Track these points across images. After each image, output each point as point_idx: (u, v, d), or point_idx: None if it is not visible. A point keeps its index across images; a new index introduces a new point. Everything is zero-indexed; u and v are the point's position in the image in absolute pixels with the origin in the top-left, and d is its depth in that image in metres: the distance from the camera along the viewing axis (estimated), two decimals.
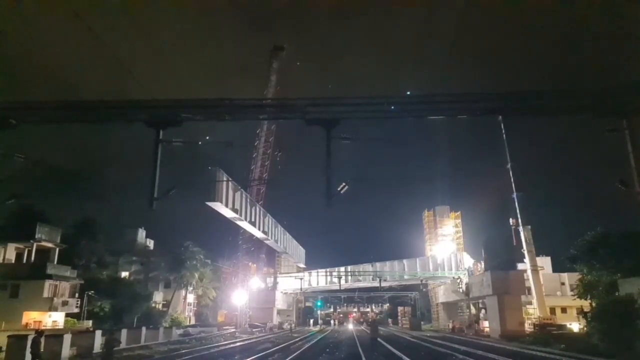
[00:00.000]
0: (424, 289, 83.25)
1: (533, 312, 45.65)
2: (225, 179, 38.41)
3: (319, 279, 74.11)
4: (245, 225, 49.82)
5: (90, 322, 40.21)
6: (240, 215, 43.90)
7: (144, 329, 35.13)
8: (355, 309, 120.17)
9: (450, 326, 63.51)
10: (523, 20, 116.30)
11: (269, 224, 55.95)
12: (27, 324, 35.28)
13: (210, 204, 38.14)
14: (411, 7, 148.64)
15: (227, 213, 42.49)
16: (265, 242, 62.18)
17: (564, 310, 50.22)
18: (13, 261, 39.81)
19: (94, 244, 47.45)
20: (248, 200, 46.57)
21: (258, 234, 54.98)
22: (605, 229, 35.41)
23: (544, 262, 53.12)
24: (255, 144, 66.34)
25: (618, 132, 12.71)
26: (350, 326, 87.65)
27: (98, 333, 28.76)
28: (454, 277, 63.77)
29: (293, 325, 68.19)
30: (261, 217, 51.89)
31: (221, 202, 38.36)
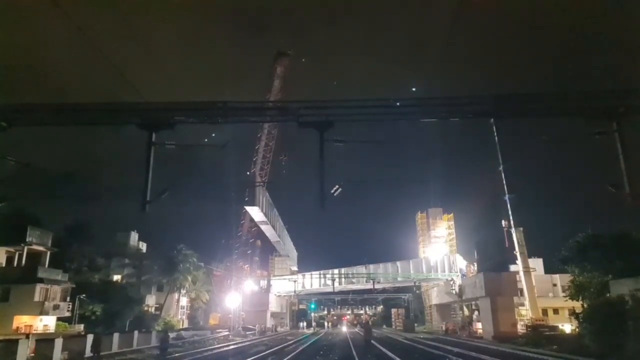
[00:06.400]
0: (418, 291, 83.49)
1: (525, 314, 45.90)
2: (259, 181, 39.51)
3: (313, 282, 74.08)
4: (267, 228, 50.40)
5: (81, 326, 39.83)
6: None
7: (136, 332, 34.91)
8: (349, 311, 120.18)
9: (444, 328, 63.71)
10: (516, 24, 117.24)
11: (279, 227, 56.63)
12: (17, 328, 34.86)
13: (248, 208, 38.88)
14: (404, 10, 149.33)
15: (259, 216, 43.08)
16: (276, 245, 62.73)
17: (556, 311, 50.49)
18: (3, 265, 39.37)
19: (85, 247, 47.02)
20: (269, 203, 47.20)
21: (274, 237, 55.53)
22: (596, 231, 35.73)
23: (536, 263, 53.43)
24: (256, 147, 66.65)
25: (608, 134, 12.82)
26: (344, 328, 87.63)
27: (89, 337, 28.55)
28: (447, 279, 63.98)
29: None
30: (276, 220, 52.53)
31: (258, 206, 39.06)
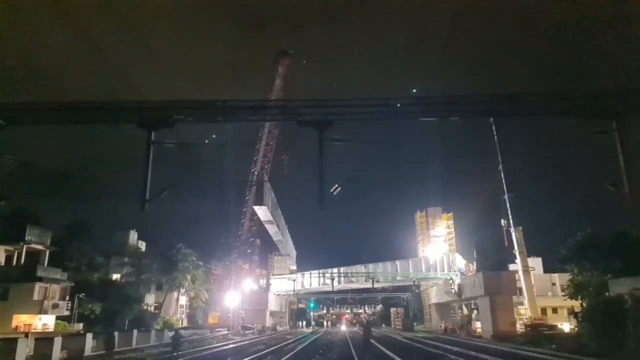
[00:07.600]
0: (417, 290, 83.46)
1: (524, 313, 45.91)
2: (266, 180, 40.01)
3: (312, 281, 74.04)
4: (271, 227, 50.70)
5: (81, 325, 39.81)
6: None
7: (135, 331, 34.83)
8: (348, 311, 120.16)
9: (443, 327, 63.70)
10: (516, 23, 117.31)
11: (281, 226, 56.83)
12: (16, 326, 34.85)
13: (256, 207, 39.25)
14: (404, 10, 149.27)
15: (265, 216, 43.33)
16: (278, 244, 62.83)
17: (555, 310, 50.55)
18: (2, 263, 39.34)
19: (85, 246, 46.94)
20: (274, 203, 47.47)
21: (277, 236, 55.67)
22: (596, 230, 35.72)
23: (535, 262, 53.46)
24: (257, 146, 66.70)
25: (608, 133, 12.81)
26: (343, 327, 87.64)
27: (89, 336, 28.51)
28: (446, 278, 63.97)
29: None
30: (279, 219, 52.77)
31: (267, 206, 39.34)
